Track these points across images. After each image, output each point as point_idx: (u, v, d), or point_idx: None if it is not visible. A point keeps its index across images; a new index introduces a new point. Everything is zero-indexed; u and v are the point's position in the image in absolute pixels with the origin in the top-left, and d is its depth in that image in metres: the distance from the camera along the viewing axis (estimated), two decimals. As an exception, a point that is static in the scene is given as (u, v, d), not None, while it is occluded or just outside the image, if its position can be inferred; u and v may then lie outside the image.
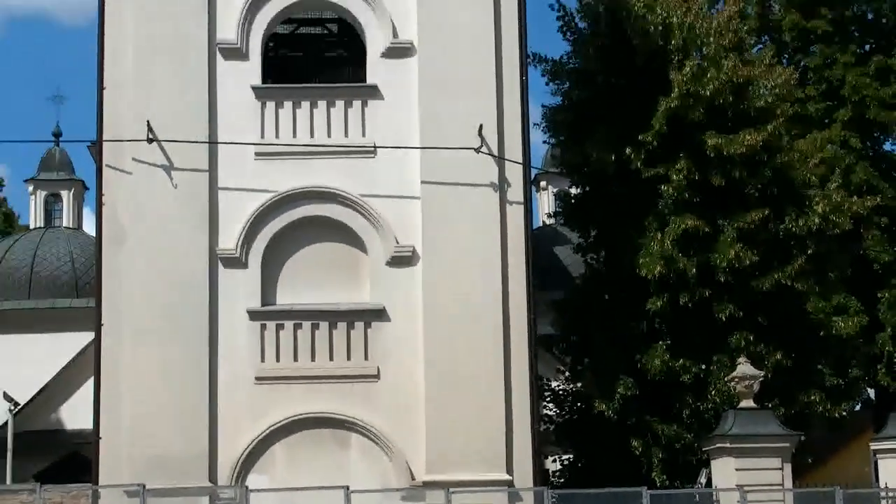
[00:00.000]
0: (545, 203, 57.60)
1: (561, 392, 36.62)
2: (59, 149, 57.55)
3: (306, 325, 29.62)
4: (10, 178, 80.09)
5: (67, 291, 50.36)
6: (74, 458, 39.87)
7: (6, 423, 44.72)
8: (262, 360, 29.41)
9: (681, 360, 32.40)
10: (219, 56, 30.16)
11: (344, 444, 29.13)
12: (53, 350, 46.32)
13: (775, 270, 32.87)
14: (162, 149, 29.30)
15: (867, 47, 43.09)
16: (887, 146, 42.99)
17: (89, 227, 52.49)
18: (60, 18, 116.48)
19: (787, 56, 42.34)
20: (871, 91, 41.04)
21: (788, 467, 29.50)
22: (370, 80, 30.44)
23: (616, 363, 32.97)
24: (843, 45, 42.42)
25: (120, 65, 29.88)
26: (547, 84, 36.99)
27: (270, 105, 30.28)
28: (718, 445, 29.69)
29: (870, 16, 43.55)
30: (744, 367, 30.31)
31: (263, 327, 29.50)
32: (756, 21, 42.76)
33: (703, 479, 31.01)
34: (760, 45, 42.23)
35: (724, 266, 32.19)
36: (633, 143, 33.00)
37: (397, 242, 29.67)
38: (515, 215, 29.86)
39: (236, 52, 30.20)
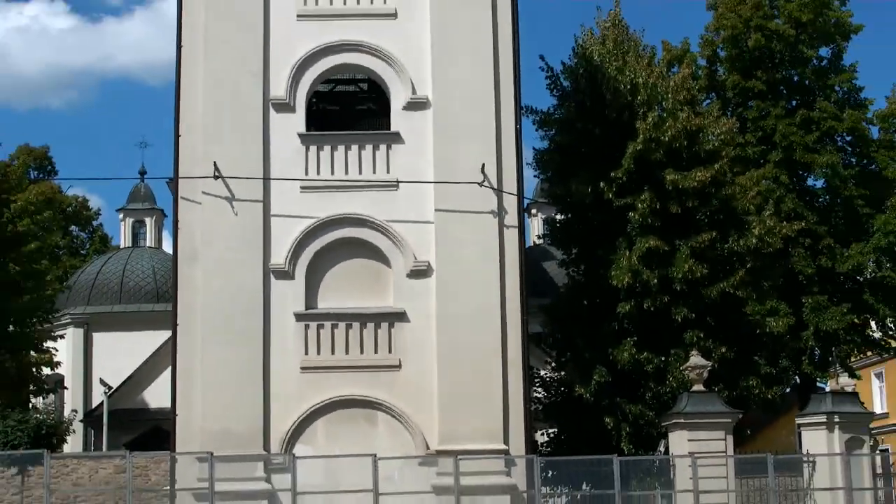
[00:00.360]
0: (536, 227, 57.60)
1: (548, 379, 36.50)
2: (143, 184, 57.76)
3: (342, 325, 29.52)
4: (104, 208, 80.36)
5: (150, 298, 50.54)
6: (156, 431, 39.85)
7: (102, 403, 44.91)
8: (306, 353, 29.31)
9: (645, 353, 32.38)
10: (272, 110, 30.08)
11: (372, 421, 29.00)
12: (139, 345, 46.47)
13: (721, 281, 32.93)
14: (226, 184, 29.25)
15: (794, 103, 42.96)
16: (810, 181, 42.90)
17: (168, 247, 52.63)
18: (144, 79, 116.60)
19: (730, 109, 42.22)
20: (797, 138, 40.94)
21: (731, 438, 29.63)
22: (394, 128, 30.36)
23: (592, 356, 32.95)
24: (775, 100, 42.34)
25: (192, 117, 29.86)
26: (536, 131, 37.13)
27: (313, 148, 30.20)
28: (674, 421, 29.82)
29: (795, 78, 43.47)
30: (695, 359, 30.48)
31: (307, 327, 29.40)
32: (705, 81, 42.74)
33: (662, 448, 31.05)
34: (708, 101, 42.36)
35: (680, 277, 32.27)
36: (606, 178, 33.08)
37: (415, 259, 29.55)
38: (511, 237, 29.76)
39: (286, 107, 30.15)
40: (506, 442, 28.67)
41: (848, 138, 42.89)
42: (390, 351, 29.47)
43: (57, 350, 42.81)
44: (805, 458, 30.55)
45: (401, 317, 29.54)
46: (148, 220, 57.17)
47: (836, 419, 30.53)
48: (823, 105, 41.78)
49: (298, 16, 30.65)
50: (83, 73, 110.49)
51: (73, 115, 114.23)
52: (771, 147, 41.39)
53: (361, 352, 29.53)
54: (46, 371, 40.98)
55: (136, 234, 57.09)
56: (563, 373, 35.41)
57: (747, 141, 40.75)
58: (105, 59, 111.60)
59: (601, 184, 33.13)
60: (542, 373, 36.91)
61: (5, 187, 39.55)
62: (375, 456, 27.41)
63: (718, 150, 34.69)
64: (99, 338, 49.94)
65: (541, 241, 53.81)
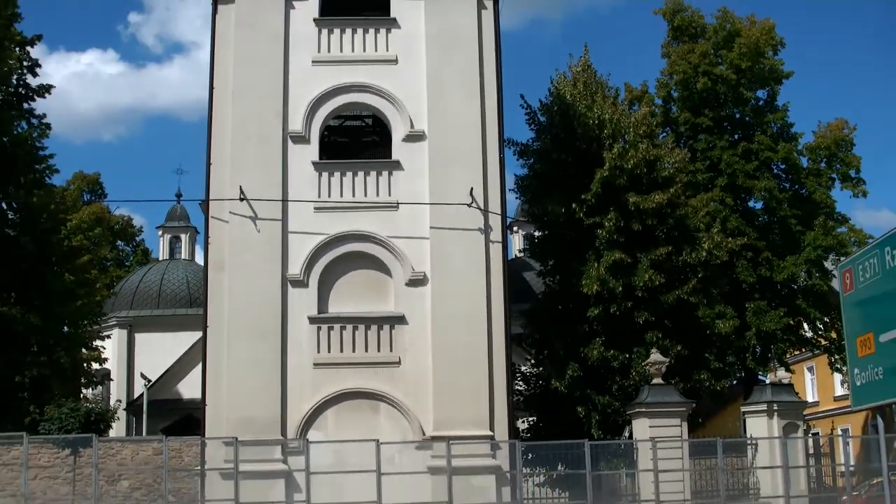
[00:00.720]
0: (517, 242, 57.26)
1: (528, 374, 35.97)
2: (180, 206, 57.47)
3: (349, 327, 28.99)
4: (146, 226, 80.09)
5: (184, 303, 50.07)
6: (189, 419, 39.35)
7: (142, 394, 44.52)
8: (319, 351, 28.80)
9: (612, 351, 31.97)
10: (290, 141, 29.72)
11: (375, 410, 28.51)
12: (174, 344, 46.13)
13: (676, 289, 32.60)
14: (250, 205, 28.86)
15: (736, 136, 42.88)
16: (751, 203, 42.70)
17: (200, 259, 52.20)
18: (181, 116, 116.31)
19: (682, 142, 42.10)
20: (739, 166, 40.98)
21: (685, 425, 29.34)
22: (394, 157, 29.96)
23: (566, 353, 32.52)
24: (720, 134, 42.35)
25: (222, 148, 29.50)
26: (517, 160, 36.59)
27: (325, 174, 29.78)
28: (637, 410, 29.45)
29: (737, 115, 43.40)
30: (655, 356, 30.15)
31: (319, 329, 28.89)
32: (661, 117, 42.56)
33: (626, 434, 30.59)
34: (664, 134, 42.04)
35: (641, 286, 31.90)
36: (577, 200, 32.73)
37: (413, 269, 29.08)
38: (496, 251, 29.36)
39: (302, 139, 29.77)
40: (491, 428, 28.21)
41: (782, 167, 42.91)
42: (391, 349, 28.93)
43: (104, 348, 42.65)
44: (749, 441, 30.38)
45: (400, 320, 29.02)
46: (183, 236, 56.82)
47: (775, 407, 30.32)
48: (761, 139, 41.79)
49: (313, 61, 30.40)
50: (130, 111, 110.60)
51: (121, 146, 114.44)
52: (717, 174, 41.40)
53: (366, 350, 28.96)
54: (95, 366, 40.63)
55: (173, 248, 56.77)
56: (540, 368, 34.92)
57: (697, 169, 40.67)
58: (148, 99, 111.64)
59: (573, 205, 32.78)
60: (523, 368, 36.34)
61: (63, 208, 39.22)
62: (378, 441, 26.83)
63: (673, 176, 34.31)
64: (140, 337, 49.52)
65: (521, 254, 53.36)
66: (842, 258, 37.41)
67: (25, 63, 37.06)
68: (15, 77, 36.90)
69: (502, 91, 30.50)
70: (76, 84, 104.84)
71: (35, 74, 37.38)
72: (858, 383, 28.62)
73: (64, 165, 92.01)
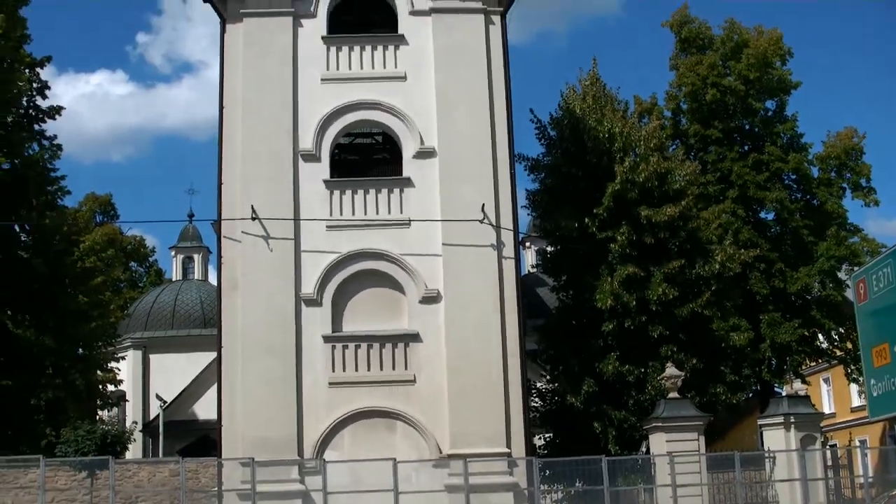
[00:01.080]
0: (529, 258, 57.15)
1: (543, 390, 35.76)
2: (192, 225, 57.49)
3: (364, 345, 28.72)
4: (158, 246, 79.79)
5: (198, 324, 50.02)
6: (205, 440, 39.27)
7: (158, 415, 44.42)
8: (333, 370, 28.54)
9: (626, 366, 31.83)
10: (300, 160, 29.55)
11: (391, 429, 28.21)
12: (189, 365, 46.06)
13: (690, 302, 32.43)
14: (262, 225, 28.66)
15: (746, 147, 42.76)
16: (762, 214, 42.52)
17: (213, 279, 52.09)
18: (191, 136, 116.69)
19: (692, 154, 41.96)
20: (750, 178, 40.86)
21: (702, 439, 28.99)
22: (405, 174, 29.75)
23: (581, 369, 32.37)
24: (730, 146, 42.25)
25: (233, 167, 29.34)
26: (528, 175, 36.50)
27: (336, 193, 29.59)
28: (654, 424, 29.23)
29: (747, 126, 43.29)
30: (670, 370, 29.92)
31: (334, 347, 28.65)
32: (671, 130, 42.49)
33: (643, 449, 30.45)
34: (674, 147, 41.95)
35: (655, 299, 31.75)
36: (589, 215, 32.63)
37: (426, 287, 28.84)
38: (509, 267, 29.06)
39: (312, 157, 29.61)
40: (508, 445, 27.85)
41: (793, 177, 42.76)
42: (406, 367, 28.66)
43: (119, 369, 42.62)
44: (766, 454, 30.10)
45: (415, 338, 28.76)
46: (196, 257, 56.83)
47: (792, 419, 30.04)
48: (771, 149, 41.66)
49: (322, 79, 30.24)
50: (140, 132, 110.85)
51: (132, 167, 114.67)
52: (728, 186, 41.26)
53: (381, 368, 28.69)
54: (111, 388, 40.62)
55: (186, 268, 56.77)
56: (556, 384, 34.71)
57: (708, 181, 40.56)
58: (158, 119, 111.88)
59: (585, 219, 32.69)
60: (539, 385, 36.16)
61: (75, 230, 39.20)
62: (395, 460, 26.57)
63: (684, 189, 34.19)
64: (155, 358, 49.50)
65: (534, 269, 53.29)
66: (855, 268, 37.27)
67: (35, 85, 37.07)
68: (25, 99, 36.91)
69: (511, 105, 30.30)
70: (85, 105, 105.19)
71: (45, 96, 37.41)
72: (875, 394, 28.35)
73: (74, 186, 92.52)
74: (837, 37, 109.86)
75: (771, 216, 42.50)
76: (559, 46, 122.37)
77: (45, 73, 37.57)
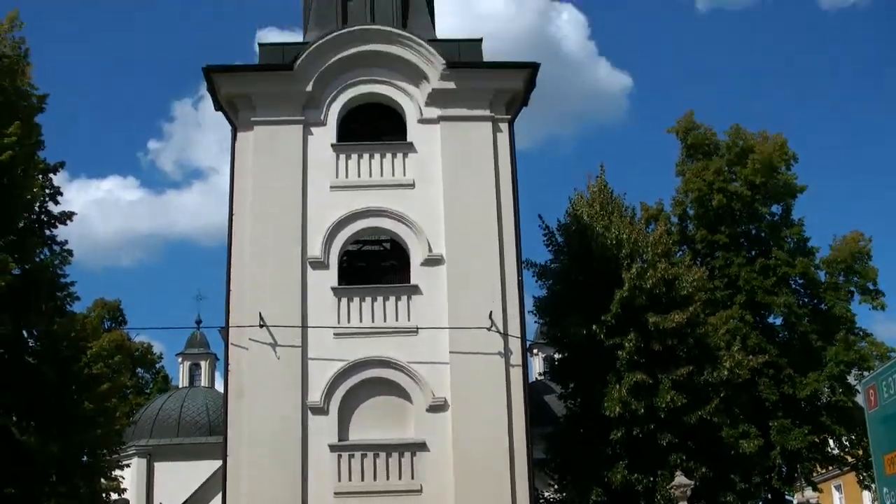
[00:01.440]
0: (537, 365, 56.94)
1: (552, 500, 35.29)
2: (199, 332, 57.47)
3: (370, 454, 28.38)
4: (166, 353, 79.71)
5: (204, 431, 49.68)
6: (209, 550, 38.64)
7: (162, 523, 43.87)
8: (339, 479, 28.16)
9: (635, 475, 31.29)
10: (309, 267, 29.60)
11: (400, 544, 27.77)
12: (194, 473, 45.53)
13: (699, 409, 31.88)
14: (269, 332, 28.59)
15: (753, 252, 42.91)
16: (770, 319, 42.47)
17: (219, 386, 51.95)
18: (201, 241, 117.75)
19: (699, 259, 42.05)
20: (757, 283, 40.93)
21: (714, 550, 28.38)
22: (413, 281, 29.77)
23: (590, 478, 31.86)
24: (737, 251, 42.38)
25: (241, 274, 29.41)
26: (536, 281, 36.36)
27: (344, 300, 29.56)
28: (665, 536, 28.59)
29: (753, 231, 43.55)
30: (680, 478, 29.34)
31: (340, 456, 28.31)
32: (678, 235, 42.70)
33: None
34: (681, 252, 42.06)
35: (663, 407, 31.27)
36: (597, 321, 32.39)
37: (433, 395, 28.63)
38: (516, 374, 28.84)
39: (321, 264, 29.66)
40: (517, 556, 27.34)
41: (800, 282, 42.80)
42: (413, 477, 28.24)
43: (124, 478, 41.99)
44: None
45: (421, 447, 28.39)
46: (203, 363, 56.77)
47: (805, 529, 29.52)
48: (778, 254, 41.77)
49: (331, 187, 30.45)
50: (150, 237, 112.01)
51: (141, 272, 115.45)
52: (736, 291, 41.28)
53: (388, 478, 28.25)
54: (115, 496, 40.04)
55: (193, 375, 56.65)
56: (564, 494, 34.20)
57: (715, 286, 40.53)
58: (168, 225, 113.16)
59: (593, 326, 32.47)
60: (547, 494, 35.65)
61: (83, 336, 39.03)
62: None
63: (692, 294, 34.01)
64: (160, 466, 49.09)
65: (542, 377, 53.06)
66: (865, 373, 36.99)
67: (48, 190, 37.31)
68: (37, 204, 37.13)
69: (519, 211, 30.41)
70: (96, 210, 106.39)
71: (57, 202, 37.57)
72: (888, 503, 27.86)
73: (83, 292, 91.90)
74: (841, 140, 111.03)
75: (779, 321, 42.41)
76: (566, 151, 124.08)
77: (57, 179, 37.86)
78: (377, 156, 30.98)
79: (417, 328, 29.21)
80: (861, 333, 42.52)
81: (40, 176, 36.80)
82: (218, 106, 31.42)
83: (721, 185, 42.32)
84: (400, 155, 30.94)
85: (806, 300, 42.79)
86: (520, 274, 29.92)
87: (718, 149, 44.24)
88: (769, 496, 40.93)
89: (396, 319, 29.49)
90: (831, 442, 42.28)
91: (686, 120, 45.03)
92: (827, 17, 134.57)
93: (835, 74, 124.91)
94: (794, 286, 42.60)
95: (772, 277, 41.23)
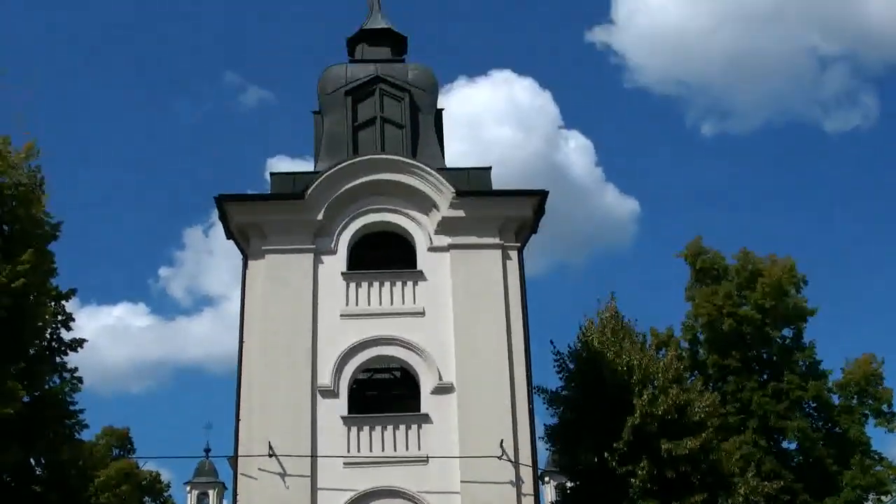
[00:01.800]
0: (549, 493, 56.44)
1: None
2: (208, 460, 57.11)
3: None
4: (174, 481, 78.58)
5: (212, 561, 48.91)
6: None
7: None
8: None
9: None
10: (318, 395, 29.40)
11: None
12: None
13: (715, 537, 31.56)
14: (278, 461, 28.26)
15: (765, 376, 42.91)
16: (784, 444, 42.11)
17: (228, 514, 51.30)
18: (210, 368, 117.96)
19: (711, 384, 41.98)
20: (770, 407, 40.88)
21: None
22: (423, 410, 29.50)
23: None
24: (749, 375, 42.39)
25: (250, 402, 29.23)
26: (547, 409, 36.30)
27: (354, 429, 29.27)
28: None
29: (765, 355, 43.61)
30: None
31: None
32: (689, 360, 42.71)
33: None
34: (692, 377, 41.82)
35: (678, 535, 30.87)
36: (609, 449, 32.20)
37: (445, 524, 28.24)
38: (528, 504, 28.51)
39: (330, 393, 29.47)
40: None
41: (813, 405, 42.80)
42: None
43: None
44: None
45: None
46: (211, 492, 56.40)
47: None
48: (790, 378, 41.80)
49: (341, 315, 30.41)
50: (159, 364, 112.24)
51: (150, 398, 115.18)
52: (749, 415, 41.17)
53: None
54: None
55: (201, 503, 56.06)
56: None
57: (728, 411, 40.42)
58: (178, 352, 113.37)
59: (605, 454, 32.23)
60: None
61: (90, 464, 38.78)
62: None
63: (704, 420, 33.87)
64: None
65: (554, 505, 52.54)
66: (882, 497, 36.59)
67: (60, 317, 37.46)
68: (49, 331, 37.23)
69: (529, 338, 30.31)
70: (106, 337, 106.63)
71: (69, 328, 37.72)
72: None
73: (92, 418, 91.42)
74: (850, 262, 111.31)
75: (793, 446, 42.15)
76: (575, 276, 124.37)
77: (69, 306, 38.06)
78: (387, 284, 31.03)
79: (428, 457, 28.86)
80: (877, 457, 42.12)
81: (52, 303, 37.03)
82: (229, 234, 31.68)
83: (731, 310, 42.48)
84: (410, 283, 30.98)
85: (819, 424, 42.62)
86: (531, 402, 29.65)
87: (727, 273, 44.51)
88: None
89: (407, 448, 29.16)
90: (851, 569, 41.53)
91: (694, 245, 45.41)
92: (830, 140, 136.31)
93: (840, 196, 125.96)
94: (807, 410, 42.54)
95: (785, 401, 41.15)
